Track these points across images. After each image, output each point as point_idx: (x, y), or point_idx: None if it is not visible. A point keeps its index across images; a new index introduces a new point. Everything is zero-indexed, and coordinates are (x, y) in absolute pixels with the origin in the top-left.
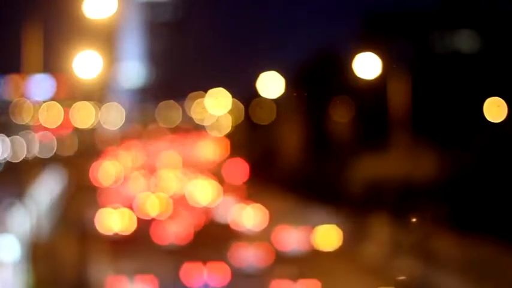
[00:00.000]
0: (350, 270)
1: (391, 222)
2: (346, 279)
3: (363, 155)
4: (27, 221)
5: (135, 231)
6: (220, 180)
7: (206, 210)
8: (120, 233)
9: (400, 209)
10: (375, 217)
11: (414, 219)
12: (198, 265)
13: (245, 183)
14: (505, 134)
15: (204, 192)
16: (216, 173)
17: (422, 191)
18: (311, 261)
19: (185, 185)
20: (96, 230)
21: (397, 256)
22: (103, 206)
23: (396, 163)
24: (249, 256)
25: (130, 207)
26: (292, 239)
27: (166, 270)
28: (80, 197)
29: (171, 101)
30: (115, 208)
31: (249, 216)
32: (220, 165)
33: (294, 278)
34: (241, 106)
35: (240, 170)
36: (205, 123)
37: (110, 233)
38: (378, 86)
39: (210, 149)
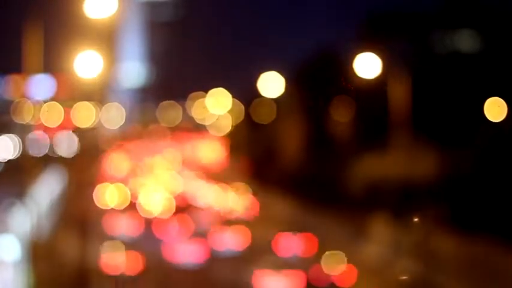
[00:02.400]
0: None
1: (392, 222)
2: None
3: (363, 154)
4: (27, 221)
5: (127, 207)
6: (205, 172)
7: (186, 197)
8: (116, 208)
9: (401, 209)
10: (375, 217)
11: (416, 219)
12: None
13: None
14: (505, 134)
15: (189, 184)
16: (204, 167)
17: (422, 190)
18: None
19: (175, 179)
20: (95, 206)
21: (398, 256)
22: (101, 182)
23: (397, 163)
24: (204, 219)
25: (125, 184)
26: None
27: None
28: (81, 195)
29: (172, 101)
30: (112, 183)
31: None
32: (211, 161)
33: (229, 225)
34: (242, 106)
35: (228, 165)
36: (205, 123)
37: (107, 208)
38: (378, 86)
39: (209, 148)
